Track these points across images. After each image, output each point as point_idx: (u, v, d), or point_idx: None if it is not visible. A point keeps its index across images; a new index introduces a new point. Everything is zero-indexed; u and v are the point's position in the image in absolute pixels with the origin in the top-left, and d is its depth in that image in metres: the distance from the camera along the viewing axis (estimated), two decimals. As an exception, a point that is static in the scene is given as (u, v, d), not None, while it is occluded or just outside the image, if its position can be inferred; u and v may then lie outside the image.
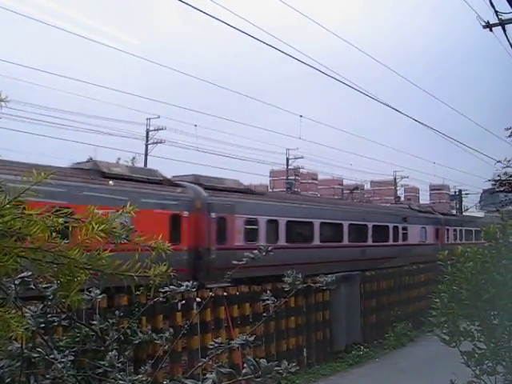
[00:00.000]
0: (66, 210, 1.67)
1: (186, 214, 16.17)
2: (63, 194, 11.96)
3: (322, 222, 21.59)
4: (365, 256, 23.02)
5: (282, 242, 19.26)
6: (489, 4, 11.01)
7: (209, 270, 15.73)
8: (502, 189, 25.68)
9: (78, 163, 16.48)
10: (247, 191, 20.11)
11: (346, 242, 23.00)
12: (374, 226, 24.90)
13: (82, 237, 1.54)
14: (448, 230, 33.73)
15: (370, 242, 24.54)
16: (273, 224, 19.27)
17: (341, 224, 22.83)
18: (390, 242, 26.01)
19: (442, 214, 36.34)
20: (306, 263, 17.64)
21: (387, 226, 26.11)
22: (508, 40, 12.17)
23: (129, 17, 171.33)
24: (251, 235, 18.11)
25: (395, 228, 26.94)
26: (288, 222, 19.84)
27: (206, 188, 17.52)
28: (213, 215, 16.89)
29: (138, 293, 2.16)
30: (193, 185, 17.48)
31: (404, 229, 27.92)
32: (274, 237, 19.03)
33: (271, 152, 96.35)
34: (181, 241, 15.44)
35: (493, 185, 26.97)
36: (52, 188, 10.20)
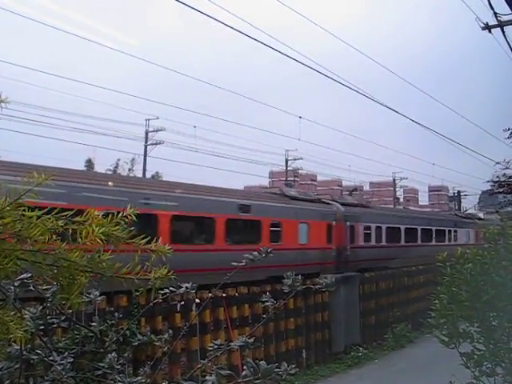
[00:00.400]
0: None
1: (334, 223, 22.72)
2: (277, 212, 19.69)
3: (405, 228, 28.42)
4: (430, 253, 27.16)
5: (383, 242, 26.22)
6: (488, 5, 11.03)
7: (346, 263, 22.04)
8: (500, 190, 25.73)
9: (266, 188, 25.71)
10: (361, 205, 27.72)
11: (419, 242, 29.48)
12: (436, 229, 31.62)
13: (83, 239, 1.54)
14: None
15: (433, 242, 30.67)
16: (379, 229, 26.03)
17: (416, 228, 29.59)
18: (446, 243, 31.76)
19: (479, 219, 41.47)
20: (396, 258, 24.27)
21: (444, 230, 32.77)
22: (507, 41, 12.19)
23: (126, 17, 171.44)
24: (367, 237, 25.07)
25: (449, 231, 33.59)
26: (387, 227, 26.69)
27: (341, 204, 24.82)
28: (348, 224, 23.67)
29: (137, 293, 2.16)
30: (333, 202, 24.81)
31: (455, 232, 34.41)
32: (379, 238, 25.99)
33: (270, 153, 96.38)
34: (332, 242, 22.33)
35: (492, 186, 27.04)
36: (273, 209, 18.84)
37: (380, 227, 25.97)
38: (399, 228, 27.75)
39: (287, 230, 19.72)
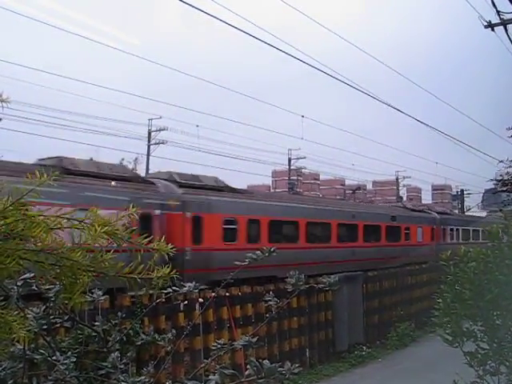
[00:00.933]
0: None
1: (434, 226, 32.27)
2: (407, 220, 29.22)
3: (472, 229, 36.88)
4: None
5: (460, 240, 34.22)
6: (491, 4, 11.01)
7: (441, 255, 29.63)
8: (504, 188, 25.74)
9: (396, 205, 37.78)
10: (446, 213, 38.44)
11: (480, 239, 35.48)
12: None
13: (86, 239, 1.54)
14: None
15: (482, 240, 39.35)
16: (457, 230, 35.44)
17: (478, 230, 36.57)
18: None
19: None
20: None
21: None
22: (510, 39, 12.16)
23: (129, 17, 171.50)
24: (451, 236, 34.42)
25: None
26: (462, 229, 36.22)
27: (436, 212, 34.73)
28: (441, 227, 33.11)
29: (140, 293, 2.16)
30: (431, 211, 34.49)
31: None
32: (458, 237, 34.99)
33: (273, 152, 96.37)
34: (434, 240, 31.16)
35: (495, 184, 27.09)
36: (405, 218, 29.92)
37: (458, 229, 35.71)
38: (469, 230, 37.14)
39: (412, 232, 29.33)
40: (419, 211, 33.03)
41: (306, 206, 22.96)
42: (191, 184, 17.54)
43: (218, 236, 17.40)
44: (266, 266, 14.71)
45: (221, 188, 18.83)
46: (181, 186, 17.06)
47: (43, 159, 15.66)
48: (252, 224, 18.69)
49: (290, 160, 53.32)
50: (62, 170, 13.99)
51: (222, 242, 17.43)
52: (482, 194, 60.04)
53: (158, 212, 14.97)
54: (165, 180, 17.10)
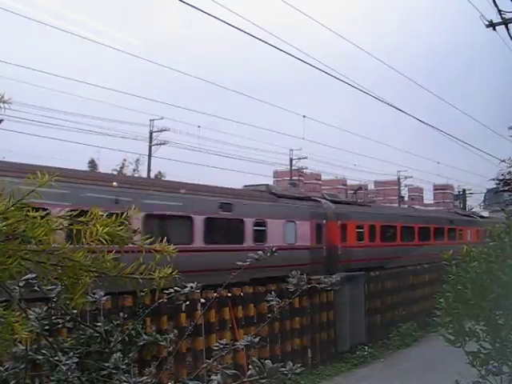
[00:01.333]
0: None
1: (479, 228, 36.27)
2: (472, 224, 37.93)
3: None
4: None
5: None
6: (492, 3, 10.99)
7: None
8: (506, 188, 25.68)
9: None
10: (480, 216, 43.97)
11: None
12: None
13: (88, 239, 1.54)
14: None
15: None
16: None
17: None
18: None
19: None
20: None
21: None
22: (511, 38, 12.13)
23: (130, 18, 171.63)
24: None
25: None
26: None
27: (479, 216, 42.80)
28: (483, 228, 38.24)
29: (142, 293, 2.16)
30: (474, 215, 41.60)
31: None
32: None
33: (275, 153, 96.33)
34: (478, 239, 34.10)
35: (497, 184, 26.99)
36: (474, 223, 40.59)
37: None
38: None
39: (464, 232, 35.69)
40: (467, 215, 39.77)
41: (400, 213, 31.35)
42: (336, 200, 25.99)
43: (354, 237, 24.89)
44: (380, 259, 24.63)
45: (352, 202, 28.98)
46: (332, 202, 24.79)
47: (251, 185, 22.33)
48: (371, 228, 26.28)
49: (291, 160, 53.36)
50: (271, 193, 21.09)
51: (356, 241, 24.90)
52: (483, 194, 60.02)
53: (324, 221, 22.90)
54: (322, 198, 25.26)
